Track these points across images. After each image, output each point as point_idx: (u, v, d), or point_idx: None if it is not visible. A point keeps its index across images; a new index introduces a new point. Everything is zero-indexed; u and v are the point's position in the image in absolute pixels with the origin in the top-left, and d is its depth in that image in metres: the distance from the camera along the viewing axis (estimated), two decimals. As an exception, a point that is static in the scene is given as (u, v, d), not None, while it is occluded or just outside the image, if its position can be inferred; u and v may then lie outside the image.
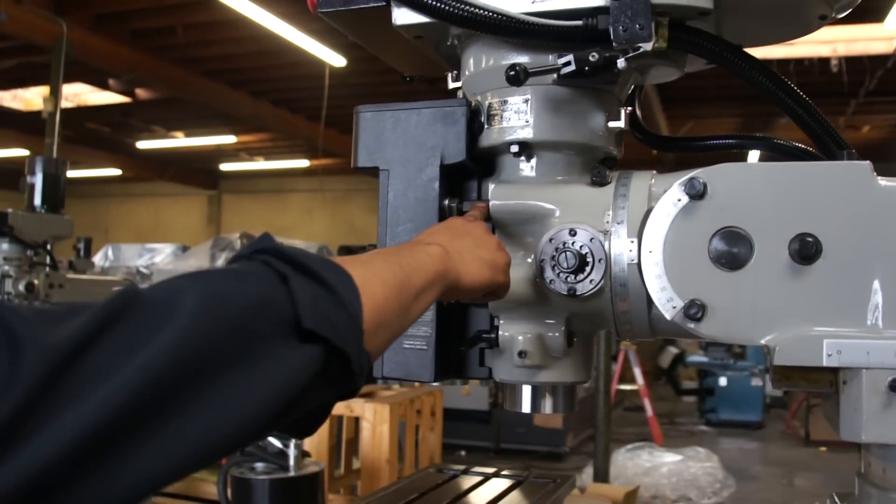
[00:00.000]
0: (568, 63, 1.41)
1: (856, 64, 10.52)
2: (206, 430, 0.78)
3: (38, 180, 4.92)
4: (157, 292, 0.82)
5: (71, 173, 5.19)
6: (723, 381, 12.10)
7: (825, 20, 1.58)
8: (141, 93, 13.48)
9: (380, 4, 1.57)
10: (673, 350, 13.79)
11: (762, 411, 12.08)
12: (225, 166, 20.77)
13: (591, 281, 1.45)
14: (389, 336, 1.09)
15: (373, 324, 1.00)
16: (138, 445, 0.73)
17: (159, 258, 14.51)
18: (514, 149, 1.55)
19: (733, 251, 1.33)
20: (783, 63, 9.92)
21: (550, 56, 1.46)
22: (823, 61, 10.27)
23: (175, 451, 0.76)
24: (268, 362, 0.85)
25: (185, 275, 0.87)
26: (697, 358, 12.71)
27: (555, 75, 1.44)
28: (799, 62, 10.08)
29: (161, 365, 0.74)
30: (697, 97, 12.75)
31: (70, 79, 10.85)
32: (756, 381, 11.99)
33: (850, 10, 1.59)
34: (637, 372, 10.64)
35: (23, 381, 0.67)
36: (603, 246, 1.45)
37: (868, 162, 1.33)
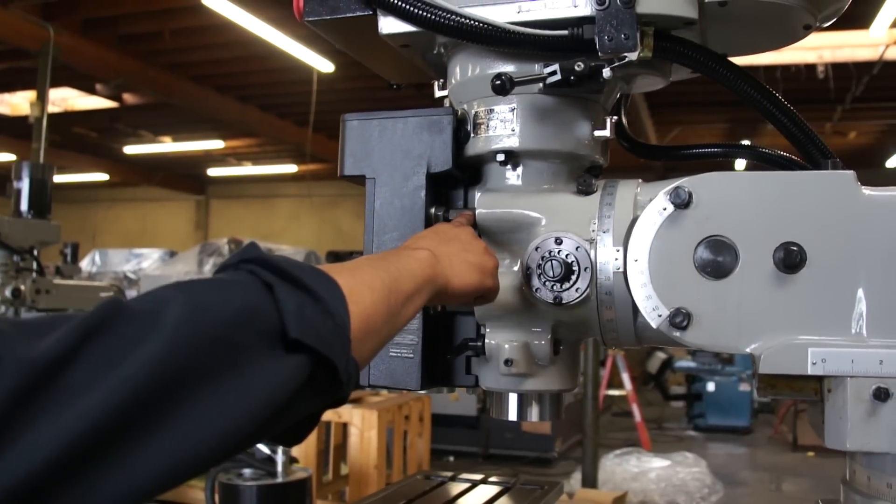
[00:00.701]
0: (554, 72, 1.42)
1: (842, 70, 10.58)
2: (189, 442, 0.78)
3: (24, 185, 4.90)
4: (142, 303, 0.82)
5: (58, 178, 5.18)
6: (711, 387, 12.12)
7: (810, 30, 1.59)
8: (128, 98, 13.44)
9: (366, 13, 1.57)
10: (661, 355, 13.80)
11: (750, 416, 12.10)
12: (212, 171, 20.73)
13: (576, 289, 1.45)
14: (378, 342, 1.09)
15: (361, 331, 1.00)
16: (119, 459, 0.73)
17: (147, 263, 14.47)
18: (501, 157, 1.55)
19: (718, 260, 1.34)
20: (770, 69, 9.98)
21: (536, 65, 1.47)
22: (810, 68, 10.32)
23: (158, 464, 0.75)
24: (252, 373, 0.84)
25: (171, 285, 0.86)
26: (685, 363, 12.73)
27: (541, 84, 1.45)
28: (786, 69, 10.13)
29: (142, 378, 0.74)
30: (684, 103, 12.79)
31: (57, 83, 10.84)
32: (744, 387, 12.01)
33: (834, 20, 1.60)
34: (625, 377, 10.64)
35: None
36: (589, 254, 1.45)
37: (852, 171, 1.34)
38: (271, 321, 0.88)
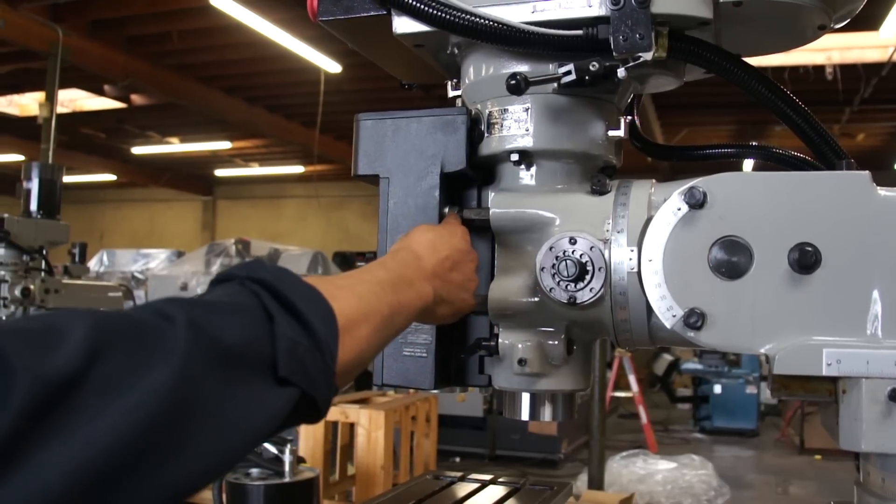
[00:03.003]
0: (568, 72, 1.41)
1: (851, 72, 10.56)
2: (191, 472, 0.80)
3: (34, 186, 4.90)
4: (146, 318, 0.83)
5: (66, 178, 5.17)
6: (717, 389, 12.11)
7: (824, 30, 1.59)
8: (136, 98, 13.48)
9: (380, 13, 1.57)
10: (668, 357, 13.78)
11: (757, 419, 12.09)
12: (220, 172, 20.77)
13: (590, 289, 1.45)
14: (362, 368, 1.13)
15: (350, 362, 1.05)
16: (125, 486, 0.73)
17: (154, 264, 14.48)
18: (515, 157, 1.55)
19: (733, 260, 1.34)
20: (778, 71, 9.95)
21: (551, 65, 1.47)
22: (818, 69, 10.31)
23: (160, 493, 0.76)
24: (249, 405, 0.87)
25: (174, 301, 0.88)
26: (692, 365, 12.71)
27: (555, 84, 1.45)
28: (794, 70, 10.11)
29: (151, 407, 0.75)
30: (692, 105, 12.77)
31: (65, 84, 10.86)
32: (751, 389, 12.00)
33: (848, 20, 1.60)
34: (632, 379, 10.64)
35: (11, 412, 0.65)
36: (603, 254, 1.45)
37: (867, 172, 1.34)
38: (266, 354, 0.91)
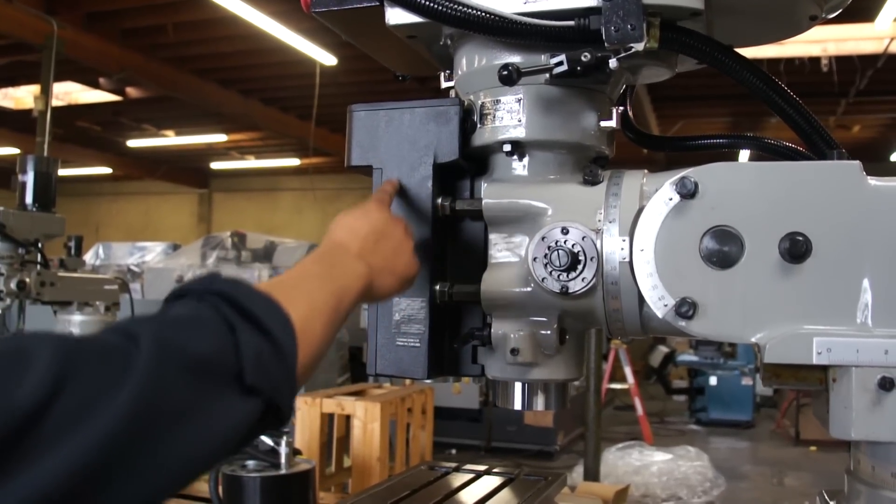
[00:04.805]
0: (560, 63, 1.41)
1: (846, 63, 10.56)
2: (157, 488, 0.82)
3: (29, 179, 4.89)
4: (112, 339, 0.85)
5: (61, 171, 5.16)
6: (713, 381, 12.14)
7: (815, 20, 1.59)
8: (131, 91, 13.45)
9: (373, 4, 1.58)
10: (663, 349, 13.82)
11: (752, 411, 12.12)
12: (215, 165, 20.74)
13: (583, 279, 1.46)
14: (317, 365, 1.15)
15: (309, 362, 1.07)
16: None
17: (150, 257, 14.46)
18: (507, 148, 1.55)
19: (724, 250, 1.34)
20: (773, 62, 9.95)
21: (543, 56, 1.47)
22: (814, 61, 10.30)
23: None
24: (215, 417, 0.88)
25: (140, 319, 0.90)
26: (688, 357, 12.74)
27: (547, 75, 1.45)
28: (789, 62, 10.11)
29: (116, 428, 0.77)
30: (688, 97, 12.77)
31: (61, 77, 10.83)
32: (746, 381, 12.03)
33: (840, 11, 1.60)
34: (627, 371, 10.66)
35: None
36: (595, 244, 1.45)
37: (858, 161, 1.34)
38: (231, 365, 0.92)
